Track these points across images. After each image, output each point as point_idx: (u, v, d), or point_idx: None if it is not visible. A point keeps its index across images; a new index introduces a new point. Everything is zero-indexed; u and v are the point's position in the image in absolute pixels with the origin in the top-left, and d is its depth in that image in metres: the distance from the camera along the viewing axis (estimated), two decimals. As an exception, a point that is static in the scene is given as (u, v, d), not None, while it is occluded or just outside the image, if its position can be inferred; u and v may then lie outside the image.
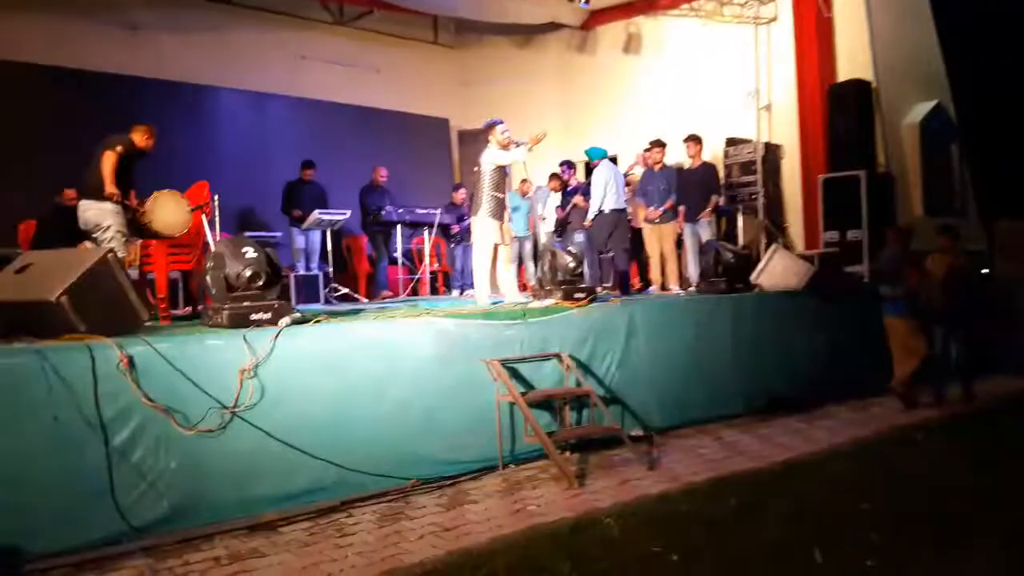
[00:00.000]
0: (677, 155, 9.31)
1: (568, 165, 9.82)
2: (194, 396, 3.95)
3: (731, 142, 10.20)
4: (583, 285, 6.32)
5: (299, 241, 9.17)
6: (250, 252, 4.54)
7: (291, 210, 9.29)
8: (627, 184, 9.47)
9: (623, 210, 8.57)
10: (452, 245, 9.99)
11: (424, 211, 9.63)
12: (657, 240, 8.66)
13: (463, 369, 4.94)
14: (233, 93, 10.99)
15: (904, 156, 9.73)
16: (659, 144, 8.79)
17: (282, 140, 10.89)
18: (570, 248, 6.57)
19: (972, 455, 5.19)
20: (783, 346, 7.00)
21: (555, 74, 12.87)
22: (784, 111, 9.96)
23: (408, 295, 9.31)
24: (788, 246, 9.40)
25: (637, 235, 9.12)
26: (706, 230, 8.82)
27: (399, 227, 9.51)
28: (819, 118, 9.45)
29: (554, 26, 12.32)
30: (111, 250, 4.18)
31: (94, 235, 5.65)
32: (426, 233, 9.68)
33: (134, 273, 6.00)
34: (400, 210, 9.50)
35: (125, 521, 3.66)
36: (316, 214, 8.59)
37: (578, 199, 9.24)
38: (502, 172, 6.59)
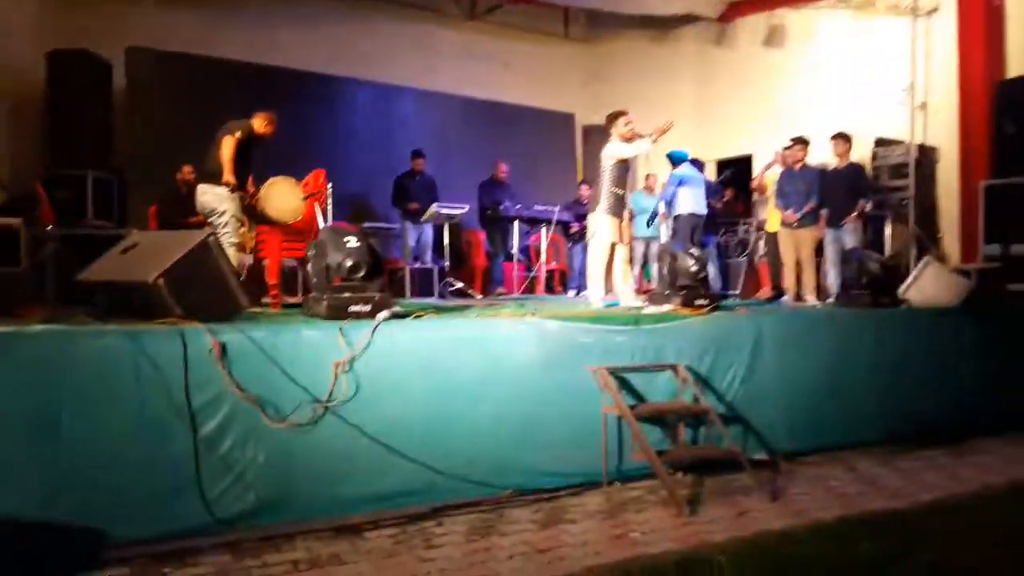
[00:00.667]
0: (819, 156, 8.61)
1: (697, 164, 9.31)
2: (286, 388, 3.80)
3: (880, 143, 9.36)
4: (705, 291, 5.84)
5: (412, 234, 9.05)
6: (352, 242, 4.38)
7: (404, 203, 9.19)
8: (760, 185, 8.94)
9: (701, 215, 8.47)
10: (570, 244, 9.66)
11: (543, 208, 9.35)
12: (793, 246, 8.00)
13: (568, 375, 4.59)
14: (362, 84, 11.12)
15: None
16: (801, 142, 8.09)
17: (406, 132, 10.91)
18: (692, 250, 6.10)
19: None
20: (932, 370, 6.24)
21: (690, 69, 12.33)
22: (942, 110, 9.05)
23: (523, 292, 9.06)
24: (941, 258, 8.52)
25: (772, 240, 8.54)
26: (851, 237, 8.06)
27: (516, 223, 9.26)
28: (983, 118, 8.52)
29: (689, 19, 11.81)
30: (212, 234, 4.09)
31: (210, 219, 5.68)
32: (543, 230, 9.39)
33: (249, 259, 5.99)
34: (518, 206, 9.26)
35: (209, 513, 3.56)
36: (435, 207, 8.44)
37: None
38: (624, 167, 6.21)
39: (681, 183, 8.65)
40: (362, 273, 4.34)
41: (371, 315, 4.22)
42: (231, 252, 5.49)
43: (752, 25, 11.37)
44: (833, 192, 7.98)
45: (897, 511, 4.34)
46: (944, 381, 6.26)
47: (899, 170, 9.05)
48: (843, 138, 8.15)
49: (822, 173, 8.18)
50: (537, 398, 4.48)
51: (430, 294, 8.23)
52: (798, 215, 7.92)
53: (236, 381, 3.66)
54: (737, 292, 9.60)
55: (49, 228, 6.86)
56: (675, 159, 8.76)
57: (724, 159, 11.29)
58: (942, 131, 9.09)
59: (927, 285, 6.98)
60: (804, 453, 5.45)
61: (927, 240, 8.88)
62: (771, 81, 11.08)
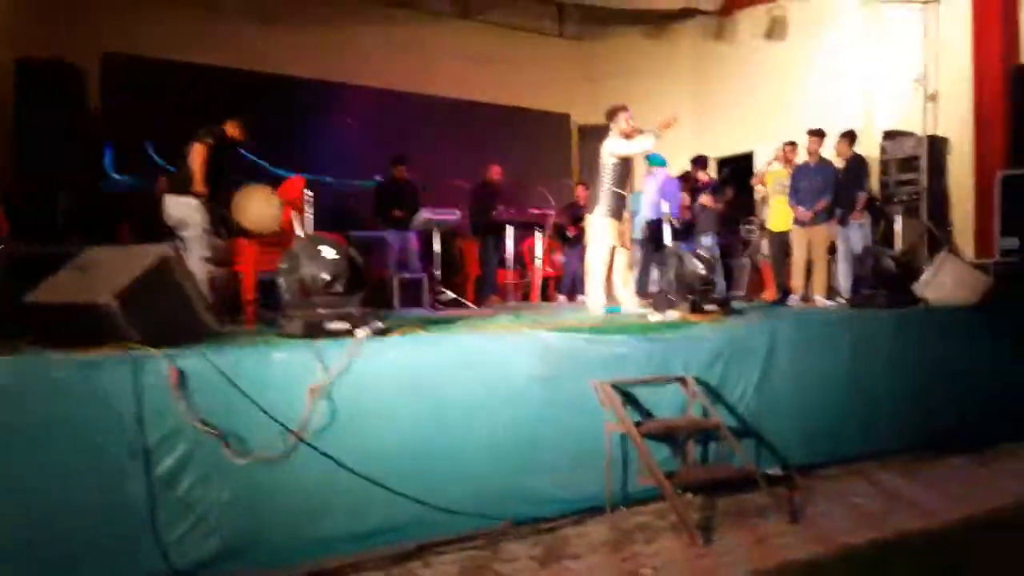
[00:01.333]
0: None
1: (699, 162, 8.96)
2: (254, 417, 3.41)
3: (889, 135, 9.01)
4: (714, 296, 5.47)
5: (395, 243, 8.61)
6: (329, 252, 4.00)
7: (387, 211, 8.79)
8: (761, 181, 8.61)
9: (657, 220, 7.93)
10: (566, 248, 9.27)
11: (538, 211, 8.97)
12: (806, 244, 7.65)
13: (567, 392, 4.21)
14: (351, 88, 10.77)
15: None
16: (817, 134, 7.74)
17: (396, 136, 10.56)
18: (699, 252, 5.73)
19: None
20: (953, 372, 5.87)
21: (688, 65, 12.04)
22: (954, 99, 8.70)
23: (518, 300, 8.67)
24: (956, 253, 8.14)
25: (775, 239, 8.19)
26: (857, 233, 7.73)
27: (510, 228, 8.87)
28: (999, 106, 8.18)
29: (688, 13, 11.49)
30: (174, 249, 3.73)
31: (179, 232, 5.32)
32: (538, 234, 9.00)
33: (223, 273, 5.62)
34: (512, 210, 8.87)
35: (166, 561, 3.17)
36: (423, 214, 8.03)
37: (706, 198, 8.38)
38: (624, 165, 5.87)
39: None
40: (340, 287, 3.96)
41: (350, 333, 3.84)
42: (202, 267, 5.14)
43: (753, 17, 11.06)
44: (837, 189, 7.66)
45: (931, 531, 3.99)
46: (965, 383, 5.89)
47: (909, 163, 8.70)
48: (848, 137, 7.85)
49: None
50: (534, 418, 4.11)
51: (419, 305, 7.86)
52: (811, 212, 7.57)
53: (196, 412, 3.28)
54: (743, 294, 9.23)
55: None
56: (653, 162, 8.37)
57: (725, 157, 10.95)
58: (953, 121, 8.75)
59: (945, 282, 6.63)
60: (820, 465, 5.11)
61: (941, 235, 8.50)
62: (773, 75, 10.77)
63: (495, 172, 9.41)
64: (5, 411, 3.02)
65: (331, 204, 8.58)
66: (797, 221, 7.71)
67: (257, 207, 5.49)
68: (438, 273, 8.00)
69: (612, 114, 5.92)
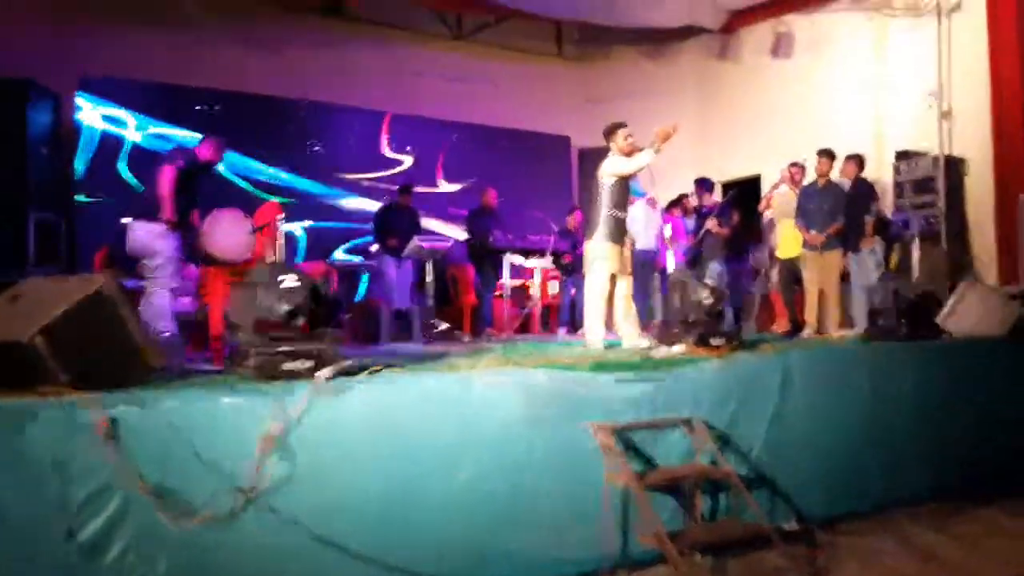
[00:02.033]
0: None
1: (703, 185, 8.56)
2: (198, 473, 2.99)
3: (901, 155, 8.60)
4: (722, 328, 5.03)
5: (390, 271, 8.16)
6: (289, 282, 3.59)
7: (385, 238, 8.38)
8: (768, 205, 8.21)
9: (649, 251, 7.89)
10: (564, 276, 8.84)
11: (537, 237, 8.57)
12: (818, 272, 7.22)
13: (561, 437, 3.77)
14: (343, 111, 10.48)
15: None
16: (827, 155, 7.37)
17: (390, 161, 10.25)
18: (706, 280, 5.29)
19: None
20: (982, 410, 5.41)
21: (690, 86, 11.73)
22: (970, 117, 8.30)
23: (515, 332, 8.23)
24: (979, 280, 7.70)
25: (785, 267, 7.80)
26: (869, 260, 7.31)
27: (507, 255, 8.48)
28: (1019, 122, 7.74)
29: (689, 32, 11.15)
30: (109, 280, 3.31)
31: (143, 260, 4.92)
32: (537, 262, 8.59)
33: (192, 304, 5.22)
34: (510, 236, 8.47)
35: (88, 647, 2.73)
36: (415, 242, 7.65)
37: (712, 223, 7.97)
38: (624, 186, 5.49)
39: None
40: (301, 321, 3.54)
41: (312, 373, 3.42)
42: (165, 299, 4.73)
43: (757, 35, 10.75)
44: (847, 214, 7.27)
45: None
46: (995, 423, 5.43)
47: (924, 184, 8.29)
48: (856, 160, 7.49)
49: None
50: (522, 468, 3.66)
51: (410, 337, 7.43)
52: (822, 236, 7.15)
53: (130, 466, 2.86)
54: (752, 325, 8.77)
55: None
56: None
57: (730, 180, 10.56)
58: (970, 140, 8.34)
59: (970, 312, 6.17)
60: (842, 518, 4.62)
61: (963, 261, 8.06)
62: (780, 94, 10.43)
63: (492, 197, 9.02)
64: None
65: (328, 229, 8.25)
66: (807, 245, 7.28)
67: (226, 234, 5.09)
68: (431, 303, 7.58)
69: (610, 132, 5.55)
